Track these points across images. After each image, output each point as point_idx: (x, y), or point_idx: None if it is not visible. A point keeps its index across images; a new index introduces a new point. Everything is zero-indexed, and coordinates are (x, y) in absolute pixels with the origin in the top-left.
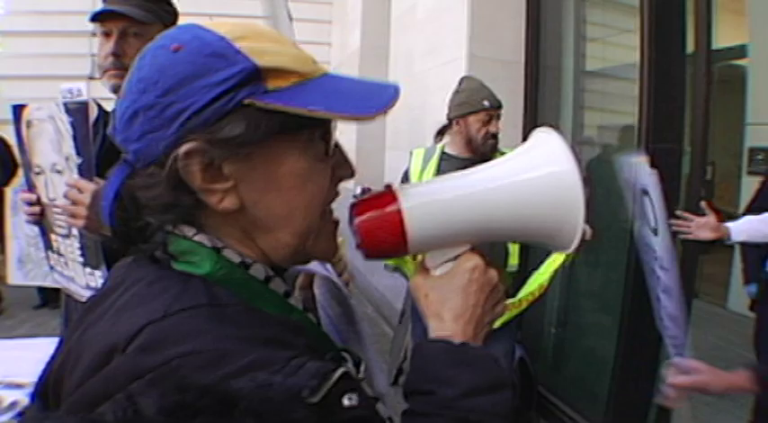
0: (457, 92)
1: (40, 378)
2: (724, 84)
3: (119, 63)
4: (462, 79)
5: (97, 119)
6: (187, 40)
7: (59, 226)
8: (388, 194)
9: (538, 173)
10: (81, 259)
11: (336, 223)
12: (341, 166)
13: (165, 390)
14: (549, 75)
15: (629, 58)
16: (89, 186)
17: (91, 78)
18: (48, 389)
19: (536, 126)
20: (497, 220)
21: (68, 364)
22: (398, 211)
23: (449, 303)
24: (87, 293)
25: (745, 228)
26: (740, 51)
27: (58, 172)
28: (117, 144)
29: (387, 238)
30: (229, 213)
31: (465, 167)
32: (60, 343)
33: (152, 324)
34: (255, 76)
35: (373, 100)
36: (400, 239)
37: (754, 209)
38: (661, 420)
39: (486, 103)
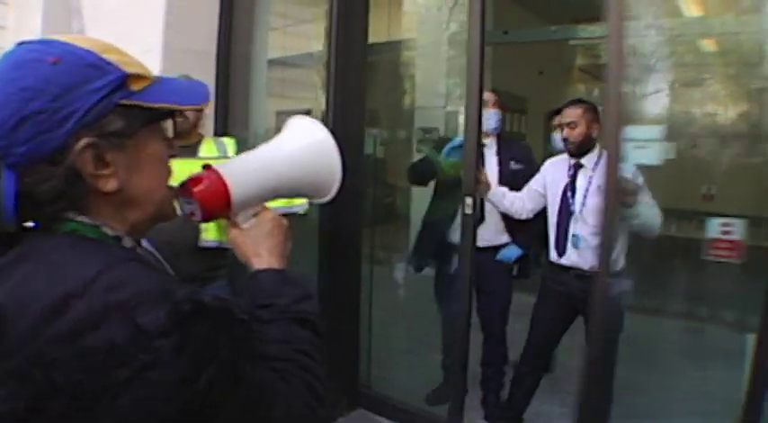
0: None
1: None
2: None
3: None
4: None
5: None
6: (62, 54)
7: None
8: (213, 171)
9: (311, 141)
10: None
11: (174, 192)
12: (171, 148)
13: (158, 310)
14: (239, 64)
15: (311, 48)
16: None
17: None
18: None
19: (227, 115)
20: (287, 179)
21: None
22: (224, 182)
23: (263, 244)
24: None
25: (499, 194)
26: (411, 44)
27: None
28: None
29: (217, 203)
30: (109, 194)
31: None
32: None
33: (103, 273)
34: (124, 81)
35: (201, 94)
36: (226, 203)
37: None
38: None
39: None
